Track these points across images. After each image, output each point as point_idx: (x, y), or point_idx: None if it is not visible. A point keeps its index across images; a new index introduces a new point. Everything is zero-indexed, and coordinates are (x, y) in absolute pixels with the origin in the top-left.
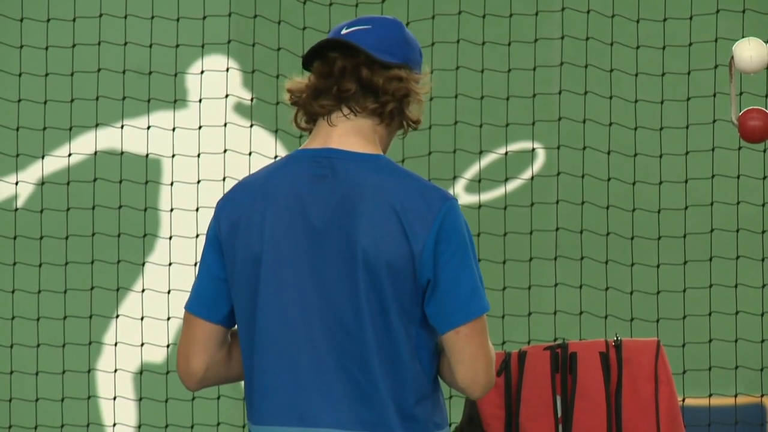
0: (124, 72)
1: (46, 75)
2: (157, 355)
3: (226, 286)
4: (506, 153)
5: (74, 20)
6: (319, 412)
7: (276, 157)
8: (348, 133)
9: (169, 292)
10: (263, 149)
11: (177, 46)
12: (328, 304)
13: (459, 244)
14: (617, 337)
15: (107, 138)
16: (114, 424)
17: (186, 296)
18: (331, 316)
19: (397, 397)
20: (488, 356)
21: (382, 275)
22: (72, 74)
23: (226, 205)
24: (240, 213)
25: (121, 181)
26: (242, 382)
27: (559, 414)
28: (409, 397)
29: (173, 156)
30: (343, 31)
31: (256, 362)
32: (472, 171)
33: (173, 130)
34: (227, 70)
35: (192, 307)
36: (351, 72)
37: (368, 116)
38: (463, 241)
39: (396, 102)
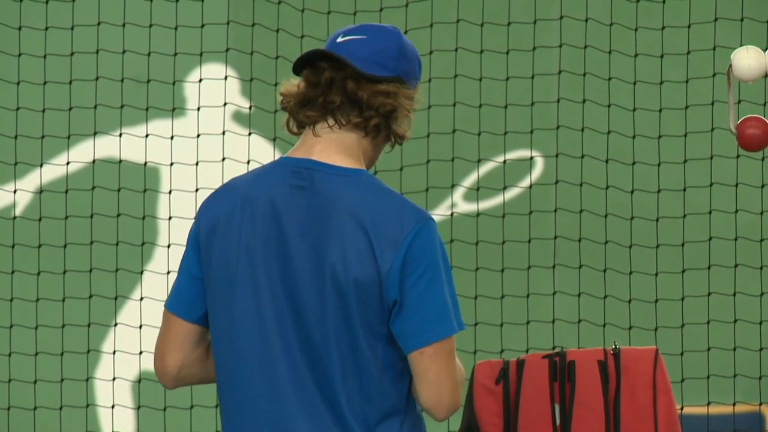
0: (122, 80)
1: (45, 83)
2: None
3: (203, 285)
4: (504, 161)
5: (72, 29)
6: (295, 425)
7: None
8: (331, 146)
9: None
10: (262, 157)
11: (175, 54)
12: (298, 317)
13: (429, 265)
14: (616, 346)
15: (105, 146)
16: None
17: None
18: (301, 329)
19: (361, 414)
20: (453, 378)
21: (349, 293)
22: (70, 82)
23: (207, 207)
24: (219, 216)
25: (119, 190)
26: None
27: (558, 423)
28: (375, 414)
29: (171, 164)
30: (338, 40)
31: (231, 371)
32: (470, 179)
33: (171, 138)
34: (226, 78)
35: (170, 304)
36: (338, 84)
37: (352, 129)
38: (434, 262)
39: (380, 117)
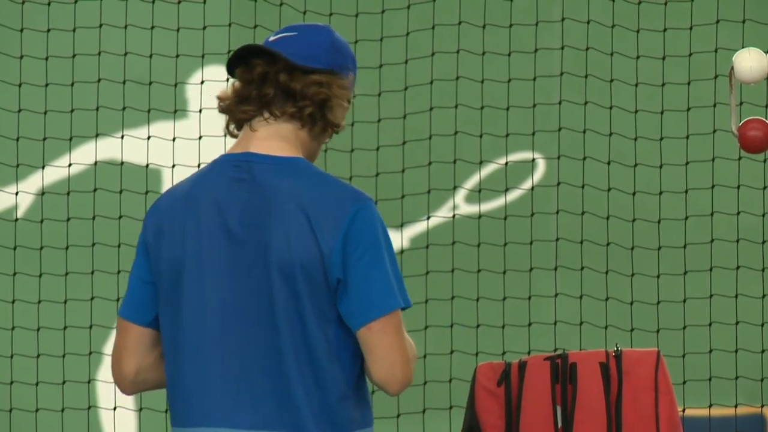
0: (124, 82)
1: (47, 85)
2: None
3: (154, 289)
4: (506, 163)
5: (74, 30)
6: (239, 414)
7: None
8: (268, 137)
9: None
10: None
11: (177, 56)
12: (246, 307)
13: (370, 244)
14: (617, 348)
15: (107, 148)
16: None
17: None
18: (249, 319)
19: (315, 398)
20: (404, 353)
21: (296, 277)
22: (72, 84)
23: (153, 212)
24: (164, 219)
25: (121, 192)
26: None
27: (560, 424)
28: (329, 398)
29: (173, 166)
30: (271, 39)
31: (178, 366)
32: (472, 181)
33: (173, 140)
34: (227, 80)
35: (122, 311)
36: (271, 77)
37: (288, 120)
38: (375, 241)
39: (315, 106)
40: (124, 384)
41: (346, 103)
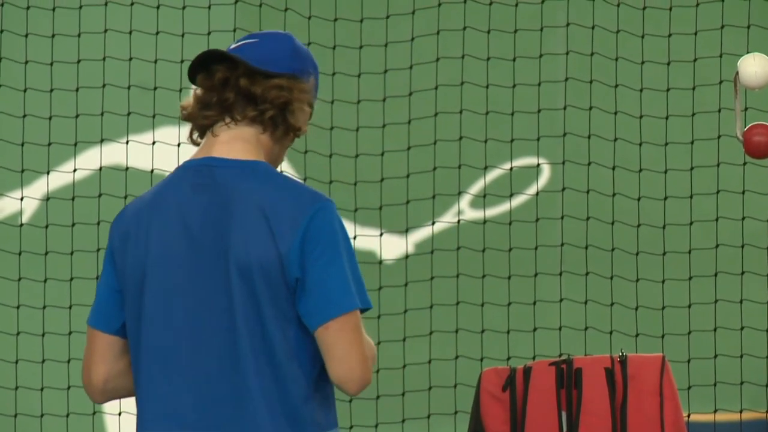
0: (129, 87)
1: (51, 90)
2: None
3: (121, 297)
4: (511, 168)
5: (79, 36)
6: (199, 416)
7: (281, 173)
8: (229, 142)
9: None
10: None
11: (182, 61)
12: (207, 311)
13: (328, 244)
14: (622, 353)
15: (112, 153)
16: None
17: None
18: (209, 322)
19: (276, 399)
20: (362, 352)
21: (255, 279)
22: (77, 89)
23: (118, 220)
24: (129, 226)
25: (126, 197)
26: None
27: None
28: (290, 399)
29: None
30: (232, 46)
31: (142, 371)
32: (477, 186)
33: (178, 145)
34: None
35: (90, 320)
36: (232, 82)
37: (249, 124)
38: (334, 241)
39: (275, 109)
40: (95, 392)
41: (308, 107)
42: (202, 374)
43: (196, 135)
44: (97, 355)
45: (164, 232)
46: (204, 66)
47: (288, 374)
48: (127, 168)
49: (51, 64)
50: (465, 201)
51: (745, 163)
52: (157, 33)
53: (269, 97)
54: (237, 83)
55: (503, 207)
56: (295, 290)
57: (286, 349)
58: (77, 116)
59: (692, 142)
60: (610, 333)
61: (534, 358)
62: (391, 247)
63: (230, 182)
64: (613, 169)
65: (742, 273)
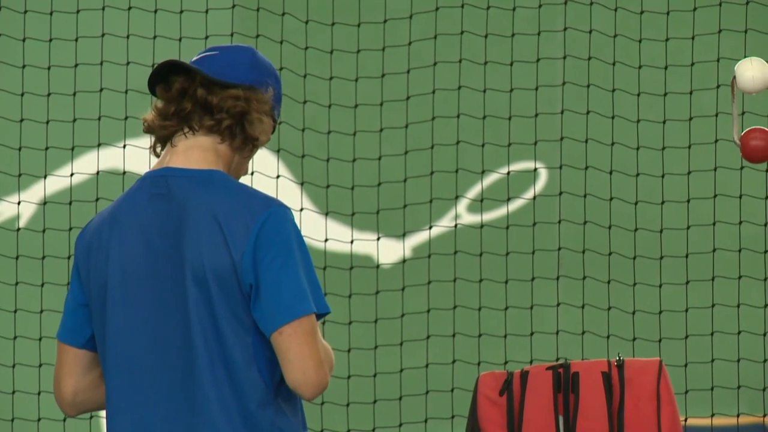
0: (126, 92)
1: (49, 95)
2: None
3: (88, 311)
4: (508, 173)
5: (76, 40)
6: (167, 427)
7: (278, 177)
8: (186, 151)
9: None
10: (265, 169)
11: None
12: (165, 321)
13: (281, 249)
14: (619, 357)
15: (110, 158)
16: None
17: None
18: (167, 332)
19: (233, 405)
20: (316, 357)
21: (210, 287)
22: (74, 94)
23: (82, 235)
24: (91, 240)
25: None
26: None
27: None
28: (247, 404)
29: None
30: (193, 59)
31: (110, 384)
32: (474, 191)
33: None
34: None
35: (59, 334)
36: (190, 93)
37: (207, 134)
38: (287, 246)
39: (232, 119)
40: (64, 405)
41: (266, 117)
42: (165, 385)
43: (158, 147)
44: (65, 368)
45: (124, 244)
46: (163, 78)
47: (246, 380)
48: (124, 172)
49: (48, 68)
50: (462, 205)
51: (742, 167)
52: (155, 37)
53: (226, 106)
54: (194, 93)
55: (500, 211)
56: (250, 297)
57: (244, 355)
58: (74, 120)
59: (689, 147)
60: (608, 337)
61: (531, 362)
62: (389, 251)
63: (185, 192)
64: (611, 173)
65: (740, 277)
